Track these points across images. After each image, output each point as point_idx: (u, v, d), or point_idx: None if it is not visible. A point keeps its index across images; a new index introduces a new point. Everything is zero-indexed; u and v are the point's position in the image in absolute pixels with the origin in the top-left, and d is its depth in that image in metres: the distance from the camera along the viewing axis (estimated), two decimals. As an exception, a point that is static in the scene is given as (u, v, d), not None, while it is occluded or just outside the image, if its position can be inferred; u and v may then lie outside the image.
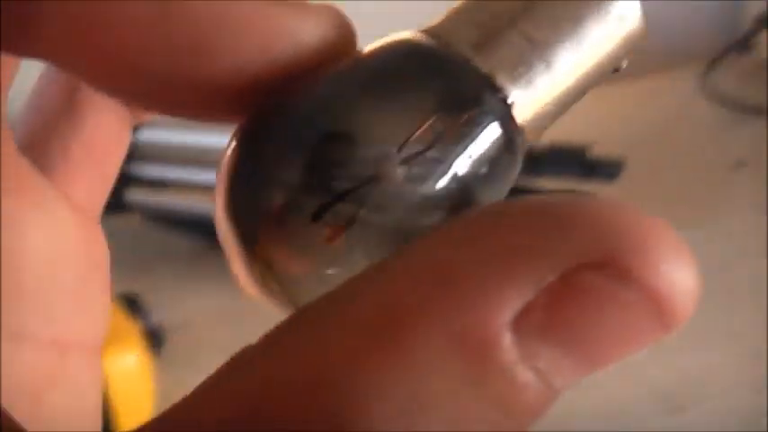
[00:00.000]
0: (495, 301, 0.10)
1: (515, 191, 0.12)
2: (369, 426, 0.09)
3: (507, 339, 0.10)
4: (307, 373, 0.10)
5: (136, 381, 0.45)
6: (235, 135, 0.12)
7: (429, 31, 0.12)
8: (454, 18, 0.12)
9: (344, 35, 0.13)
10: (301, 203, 0.11)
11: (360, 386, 0.10)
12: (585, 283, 0.10)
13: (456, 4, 0.13)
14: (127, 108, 0.15)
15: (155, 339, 0.50)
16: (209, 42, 0.12)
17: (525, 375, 0.10)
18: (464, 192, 0.12)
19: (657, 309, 0.10)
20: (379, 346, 0.10)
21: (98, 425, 0.15)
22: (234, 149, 0.12)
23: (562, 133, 0.51)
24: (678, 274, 0.10)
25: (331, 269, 0.12)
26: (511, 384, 0.10)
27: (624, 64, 0.13)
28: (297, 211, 0.11)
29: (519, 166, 0.12)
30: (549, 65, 0.12)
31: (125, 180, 0.59)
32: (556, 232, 0.10)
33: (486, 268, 0.10)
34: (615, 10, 0.12)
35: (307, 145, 0.11)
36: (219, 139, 0.51)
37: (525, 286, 0.10)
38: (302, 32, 0.12)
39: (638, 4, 0.12)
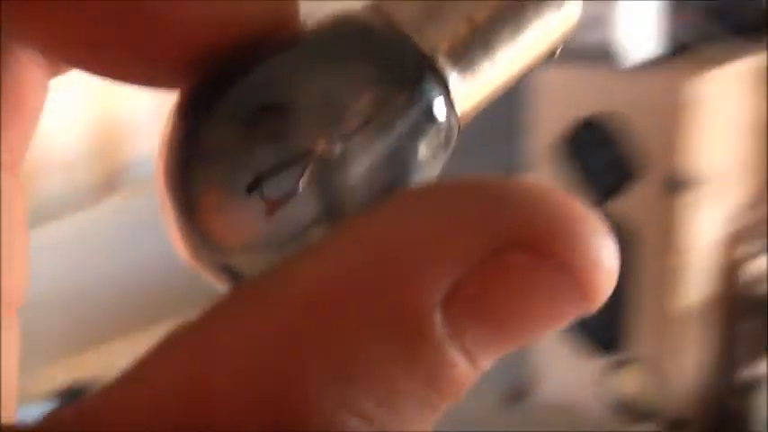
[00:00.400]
0: (425, 280, 0.10)
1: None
2: (303, 399, 0.10)
3: (437, 317, 0.10)
4: (240, 355, 0.10)
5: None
6: (175, 105, 0.12)
7: (374, 8, 0.12)
8: None
9: (288, 9, 0.13)
10: (237, 176, 0.11)
11: (294, 364, 0.10)
12: (512, 262, 0.10)
13: None
14: (47, 62, 0.15)
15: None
16: (156, 11, 0.12)
17: (453, 353, 0.10)
18: (398, 169, 0.12)
19: (578, 286, 0.10)
20: (314, 325, 0.10)
21: (12, 389, 0.15)
22: (174, 120, 0.12)
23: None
24: (598, 254, 0.10)
25: (267, 242, 0.12)
26: (439, 361, 0.10)
27: (559, 51, 0.13)
28: (232, 184, 0.11)
29: (452, 145, 0.13)
30: (488, 48, 0.12)
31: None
32: (485, 213, 0.10)
33: (418, 248, 0.10)
34: None
35: (242, 117, 0.12)
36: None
37: (455, 265, 0.10)
38: (246, 5, 0.12)
39: None
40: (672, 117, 0.83)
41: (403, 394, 0.10)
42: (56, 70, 0.15)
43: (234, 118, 0.12)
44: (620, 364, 0.94)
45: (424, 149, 0.12)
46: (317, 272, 0.10)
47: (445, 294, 0.10)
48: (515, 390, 0.99)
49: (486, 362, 0.11)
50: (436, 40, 0.12)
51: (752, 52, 0.88)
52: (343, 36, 0.12)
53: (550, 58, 0.13)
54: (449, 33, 0.12)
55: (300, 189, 0.11)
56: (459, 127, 0.13)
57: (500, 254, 0.10)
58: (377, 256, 0.10)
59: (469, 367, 0.11)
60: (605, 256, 0.10)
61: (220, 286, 0.12)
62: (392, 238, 0.10)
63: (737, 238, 0.92)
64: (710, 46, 0.89)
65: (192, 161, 0.12)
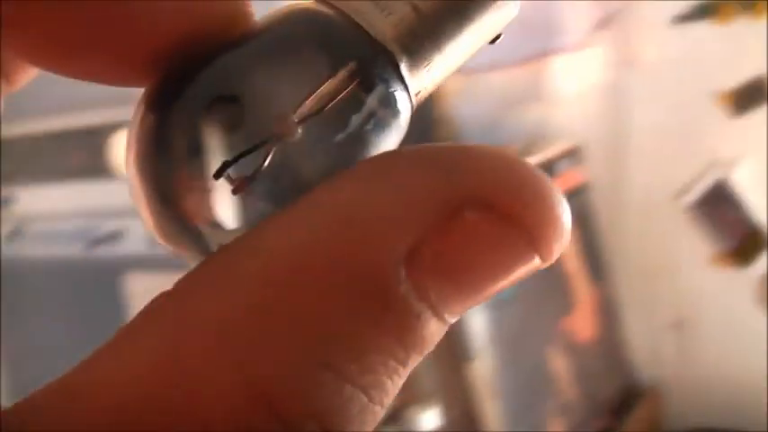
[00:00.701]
0: (387, 241, 0.11)
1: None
2: (278, 365, 0.10)
3: (401, 274, 0.11)
4: (212, 329, 0.10)
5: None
6: (142, 98, 0.13)
7: (326, 1, 0.13)
8: None
9: (243, 7, 0.13)
10: (204, 162, 0.12)
11: (268, 333, 0.10)
12: (467, 219, 0.11)
13: None
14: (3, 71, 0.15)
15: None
16: (126, 9, 0.12)
17: (418, 307, 0.11)
18: (356, 150, 0.13)
19: (531, 240, 0.11)
20: (283, 293, 0.10)
21: None
22: (141, 113, 0.13)
23: None
24: (549, 211, 0.11)
25: (238, 223, 0.12)
26: (405, 316, 0.11)
27: (501, 35, 0.14)
28: (200, 170, 0.12)
29: (406, 127, 0.14)
30: (433, 33, 0.13)
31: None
32: (442, 175, 0.11)
33: (379, 211, 0.11)
34: None
35: (204, 109, 0.12)
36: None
37: (414, 226, 0.11)
38: (204, 4, 0.13)
39: None
40: None
41: (373, 350, 0.11)
42: (12, 83, 0.16)
43: (197, 110, 0.12)
44: None
45: (379, 130, 0.13)
46: (282, 240, 0.11)
47: (407, 253, 0.11)
48: None
49: (451, 315, 0.11)
50: (384, 28, 0.13)
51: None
52: (295, 26, 0.13)
53: (493, 42, 0.14)
54: (396, 21, 0.13)
55: (263, 171, 0.12)
56: (413, 108, 0.13)
57: (456, 212, 0.11)
58: (340, 222, 0.11)
59: (435, 321, 0.11)
60: (557, 214, 0.11)
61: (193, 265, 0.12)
62: (353, 202, 0.11)
63: None
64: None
65: (162, 151, 0.12)
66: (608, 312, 1.74)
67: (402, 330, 0.11)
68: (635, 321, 2.07)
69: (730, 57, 1.86)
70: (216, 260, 0.11)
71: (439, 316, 0.11)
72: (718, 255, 1.89)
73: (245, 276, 0.11)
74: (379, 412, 0.11)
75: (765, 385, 1.85)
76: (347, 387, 0.10)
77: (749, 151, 1.92)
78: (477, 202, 0.11)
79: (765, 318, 1.77)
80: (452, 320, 0.12)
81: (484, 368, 1.03)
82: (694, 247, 1.61)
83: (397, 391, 0.11)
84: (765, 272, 1.78)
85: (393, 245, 0.11)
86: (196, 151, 0.12)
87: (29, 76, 0.15)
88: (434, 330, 0.11)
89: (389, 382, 0.11)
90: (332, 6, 0.13)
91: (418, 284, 0.11)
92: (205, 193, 0.12)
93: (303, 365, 0.10)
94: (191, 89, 0.12)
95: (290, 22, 0.13)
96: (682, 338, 2.09)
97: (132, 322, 0.11)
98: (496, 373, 1.30)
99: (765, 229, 1.85)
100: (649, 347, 2.12)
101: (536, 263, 0.12)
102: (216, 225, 0.12)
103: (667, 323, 2.09)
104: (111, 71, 0.13)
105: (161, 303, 0.11)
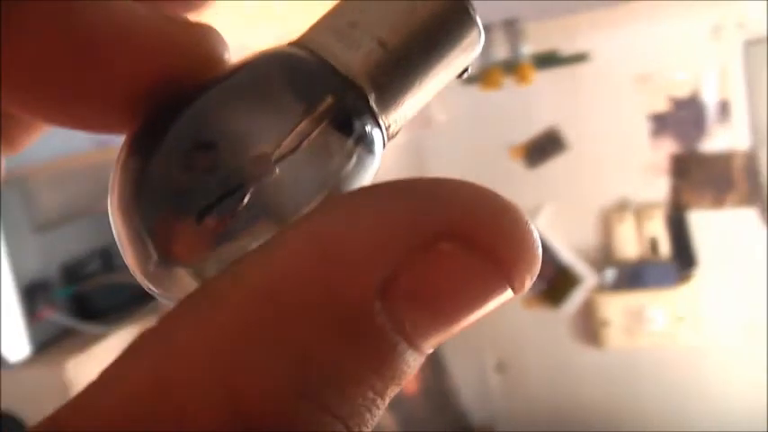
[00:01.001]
0: (364, 271, 0.11)
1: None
2: (261, 389, 0.10)
3: (377, 305, 0.11)
4: (198, 354, 0.11)
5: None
6: (124, 144, 0.13)
7: (296, 42, 0.14)
8: (318, 29, 0.14)
9: (216, 48, 0.14)
10: (185, 206, 0.12)
11: (250, 358, 0.10)
12: (441, 251, 0.11)
13: (319, 17, 0.14)
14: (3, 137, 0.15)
15: None
16: (110, 55, 0.13)
17: (394, 338, 0.11)
18: (332, 183, 0.13)
19: (503, 272, 0.11)
20: (265, 320, 0.11)
21: None
22: (123, 158, 0.13)
23: None
24: (522, 244, 0.11)
25: (218, 263, 0.13)
26: (382, 347, 0.11)
27: (470, 69, 0.14)
28: (182, 213, 0.12)
29: (380, 160, 0.14)
30: (403, 69, 0.13)
31: None
32: (417, 209, 0.11)
33: (356, 242, 0.11)
34: (457, 19, 0.14)
35: (182, 155, 0.13)
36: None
37: (390, 257, 0.11)
38: (190, 47, 0.13)
39: (477, 17, 0.14)
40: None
41: (352, 381, 0.11)
42: (12, 149, 0.15)
43: (176, 157, 0.13)
44: None
45: (353, 163, 0.13)
46: (262, 272, 0.11)
47: (383, 284, 0.11)
48: None
49: (426, 345, 0.11)
50: (355, 66, 0.13)
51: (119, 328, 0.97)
52: (266, 67, 0.13)
53: (461, 76, 0.14)
54: (364, 59, 0.13)
55: (242, 210, 0.12)
56: (386, 142, 0.14)
57: (431, 244, 0.11)
58: (316, 253, 0.11)
59: (411, 352, 0.11)
60: (529, 246, 0.12)
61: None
62: (329, 235, 0.11)
63: None
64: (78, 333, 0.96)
65: (143, 195, 0.13)
66: (433, 363, 1.77)
67: (379, 361, 0.11)
68: (461, 368, 2.13)
69: (519, 114, 2.00)
70: (198, 294, 0.11)
71: (415, 346, 0.11)
72: (530, 298, 2.00)
73: (226, 307, 0.11)
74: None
75: (586, 410, 1.96)
76: (327, 417, 0.11)
77: (548, 198, 2.06)
78: (453, 234, 0.11)
79: (580, 350, 1.89)
80: (428, 351, 0.12)
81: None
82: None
83: (376, 421, 0.11)
84: (576, 308, 1.91)
85: (368, 276, 0.11)
86: (177, 196, 0.12)
87: (31, 138, 0.15)
88: (410, 361, 0.11)
89: (368, 413, 0.11)
90: (301, 46, 0.13)
91: (394, 315, 0.11)
92: (187, 234, 0.12)
93: (284, 395, 0.10)
94: (169, 136, 0.13)
95: (262, 63, 0.13)
96: (506, 378, 2.17)
97: (118, 358, 0.11)
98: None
99: (572, 269, 1.98)
100: (477, 390, 2.18)
101: (508, 294, 0.12)
102: (198, 264, 0.13)
103: (492, 365, 2.17)
104: (93, 117, 0.13)
105: (145, 337, 0.11)
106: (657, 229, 1.78)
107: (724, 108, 1.73)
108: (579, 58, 1.75)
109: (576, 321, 1.91)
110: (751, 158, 1.73)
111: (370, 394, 0.11)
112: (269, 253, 0.11)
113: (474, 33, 0.14)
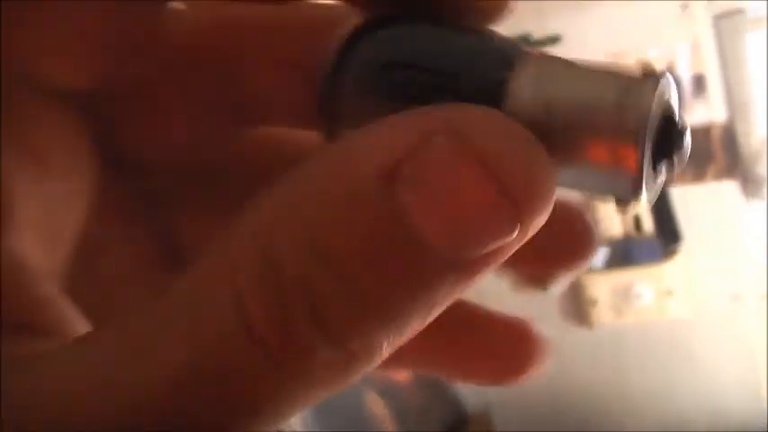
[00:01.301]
0: (372, 158, 0.12)
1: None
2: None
3: (380, 182, 0.12)
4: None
5: None
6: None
7: None
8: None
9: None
10: None
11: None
12: (436, 142, 0.12)
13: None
14: None
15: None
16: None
17: (394, 206, 0.12)
18: None
19: (488, 167, 0.12)
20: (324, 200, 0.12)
21: None
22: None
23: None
24: (508, 143, 0.12)
25: None
26: (385, 217, 0.12)
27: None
28: None
29: None
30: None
31: None
32: (424, 117, 0.12)
33: (369, 138, 0.12)
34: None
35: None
36: None
37: (393, 147, 0.12)
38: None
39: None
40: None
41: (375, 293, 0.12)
42: None
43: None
44: None
45: None
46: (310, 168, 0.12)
47: (388, 170, 0.12)
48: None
49: (445, 248, 0.12)
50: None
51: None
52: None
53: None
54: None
55: None
56: None
57: (428, 138, 0.12)
58: (340, 151, 0.12)
59: (434, 253, 0.12)
60: (516, 147, 0.12)
61: None
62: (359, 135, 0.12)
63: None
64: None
65: None
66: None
67: (380, 231, 0.12)
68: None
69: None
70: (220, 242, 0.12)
71: (434, 249, 0.12)
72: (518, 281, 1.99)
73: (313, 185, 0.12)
74: (360, 368, 0.12)
75: (579, 392, 1.98)
76: (338, 349, 0.11)
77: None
78: (447, 129, 0.12)
79: (571, 331, 1.90)
80: (455, 263, 0.12)
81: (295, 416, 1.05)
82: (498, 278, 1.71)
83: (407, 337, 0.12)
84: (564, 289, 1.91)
85: (376, 160, 0.12)
86: None
87: None
88: (442, 270, 0.12)
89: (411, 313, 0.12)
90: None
91: (397, 198, 0.12)
92: None
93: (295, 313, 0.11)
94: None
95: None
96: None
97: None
98: (311, 419, 1.31)
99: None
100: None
101: (510, 226, 0.12)
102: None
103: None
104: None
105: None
106: (639, 206, 1.76)
107: (699, 82, 1.73)
108: (551, 40, 1.75)
109: (564, 302, 1.91)
110: (728, 130, 1.73)
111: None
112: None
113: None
